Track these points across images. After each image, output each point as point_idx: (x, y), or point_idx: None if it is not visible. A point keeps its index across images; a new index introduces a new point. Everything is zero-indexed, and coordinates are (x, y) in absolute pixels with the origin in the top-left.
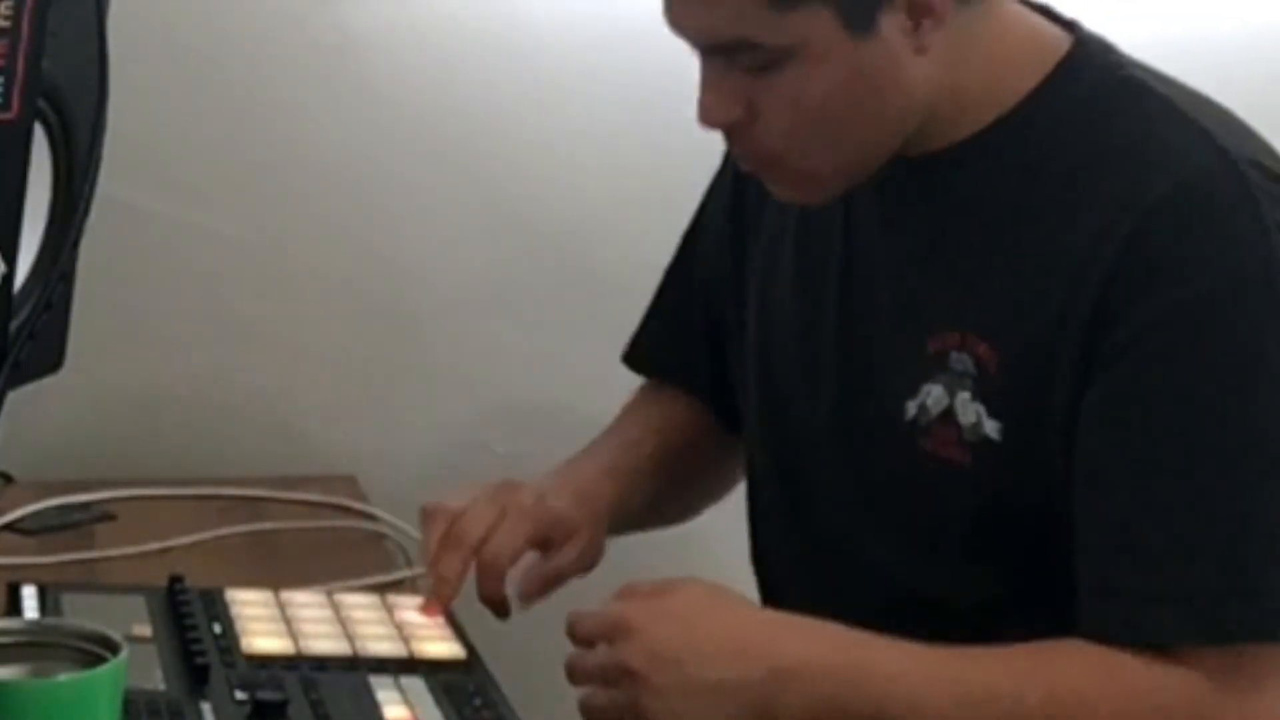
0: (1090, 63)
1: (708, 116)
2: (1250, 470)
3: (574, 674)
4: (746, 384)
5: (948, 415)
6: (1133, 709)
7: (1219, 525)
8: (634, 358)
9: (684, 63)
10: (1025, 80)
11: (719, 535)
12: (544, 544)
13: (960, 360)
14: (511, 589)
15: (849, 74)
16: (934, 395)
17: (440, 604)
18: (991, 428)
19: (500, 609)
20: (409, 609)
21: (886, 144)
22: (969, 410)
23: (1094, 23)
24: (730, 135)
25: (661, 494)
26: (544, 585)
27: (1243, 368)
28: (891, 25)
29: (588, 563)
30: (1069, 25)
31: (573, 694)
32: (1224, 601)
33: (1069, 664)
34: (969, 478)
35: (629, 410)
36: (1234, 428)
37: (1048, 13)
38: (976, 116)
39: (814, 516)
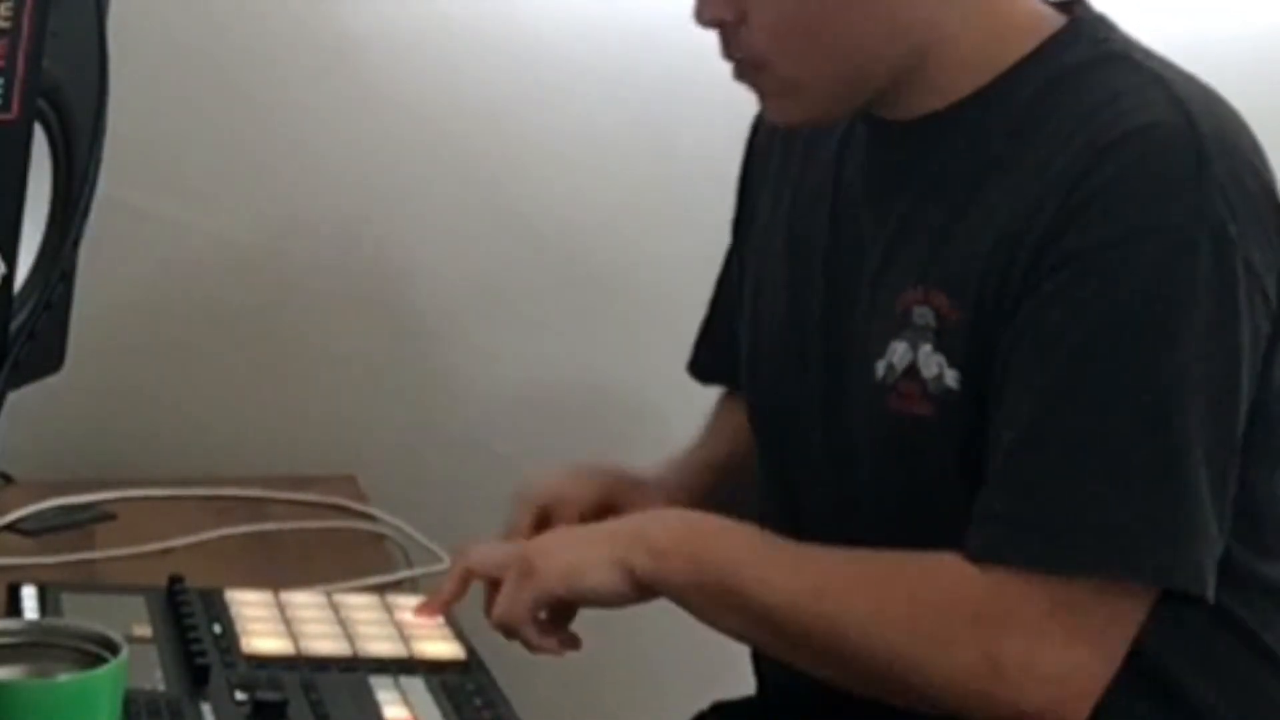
0: (1081, 38)
1: (700, 13)
2: (1137, 411)
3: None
4: (742, 364)
5: (912, 370)
6: (928, 606)
7: (1095, 461)
8: (694, 368)
9: (683, 63)
10: (1017, 49)
11: None
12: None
13: (922, 314)
14: None
15: None
16: (899, 352)
17: (436, 606)
18: (951, 377)
19: None
20: (407, 609)
21: (872, 64)
22: (930, 363)
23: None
24: (723, 37)
25: (739, 496)
26: None
27: (1147, 313)
28: None
29: None
30: (1068, 6)
31: (572, 694)
32: (1078, 532)
33: (907, 562)
34: (934, 430)
35: (706, 426)
36: (1127, 370)
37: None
38: (969, 81)
39: (802, 482)
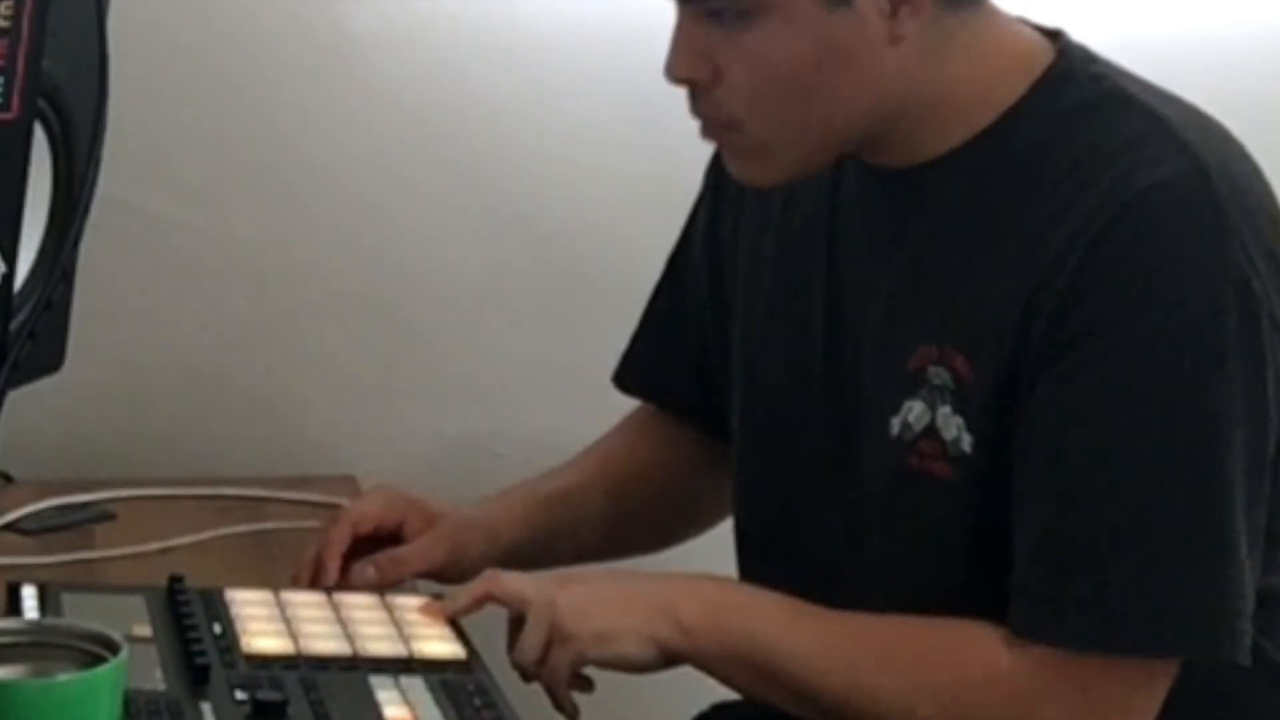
0: (1074, 73)
1: (672, 70)
2: (1178, 486)
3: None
4: (732, 400)
5: (931, 431)
6: (970, 689)
7: (1136, 539)
8: (622, 379)
9: None
10: (1010, 91)
11: (703, 554)
12: (398, 529)
13: (938, 374)
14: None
15: (816, 43)
16: (916, 411)
17: (443, 614)
18: (967, 442)
19: (320, 575)
20: (408, 608)
21: (846, 130)
22: (950, 425)
23: (1093, 20)
24: (694, 94)
25: (612, 521)
26: (389, 569)
27: (1173, 383)
28: (868, 4)
29: (435, 559)
30: (1052, 35)
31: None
32: (1124, 612)
33: (941, 634)
34: (955, 492)
35: (593, 445)
36: (1165, 442)
37: (1031, 23)
38: (962, 127)
39: (806, 535)
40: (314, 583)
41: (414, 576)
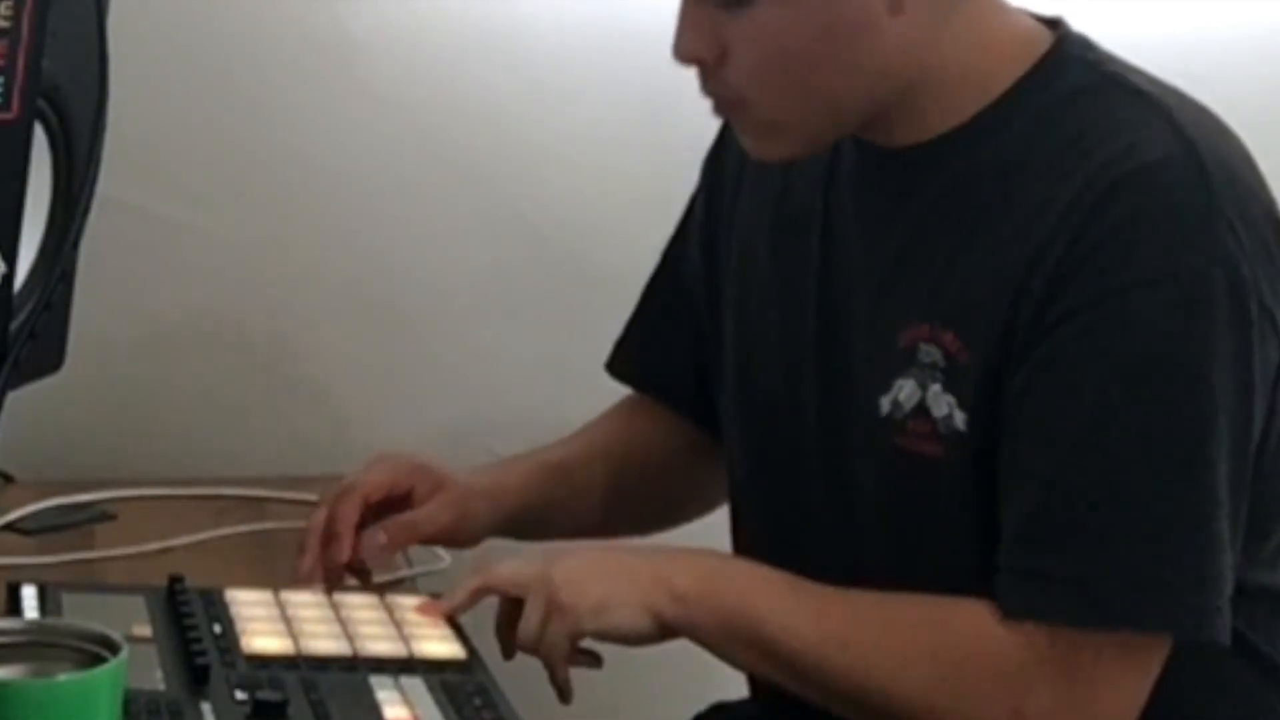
0: (1072, 59)
1: (680, 51)
2: (1164, 463)
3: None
4: (725, 387)
5: (921, 409)
6: (959, 666)
7: (1123, 515)
8: (616, 366)
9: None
10: (1007, 74)
11: (698, 537)
12: (407, 495)
13: (929, 353)
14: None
15: (819, 19)
16: (906, 390)
17: (440, 611)
18: (960, 419)
19: (335, 549)
20: (408, 608)
21: (854, 103)
22: (940, 402)
23: (1092, 20)
24: (702, 74)
25: (609, 494)
26: (399, 535)
27: (1168, 361)
28: None
29: (443, 523)
30: (1052, 23)
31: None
32: (1108, 589)
33: (932, 610)
34: (945, 471)
35: (591, 422)
36: (1152, 420)
37: (1031, 13)
38: (958, 108)
39: (797, 518)
40: (324, 555)
41: (423, 541)
